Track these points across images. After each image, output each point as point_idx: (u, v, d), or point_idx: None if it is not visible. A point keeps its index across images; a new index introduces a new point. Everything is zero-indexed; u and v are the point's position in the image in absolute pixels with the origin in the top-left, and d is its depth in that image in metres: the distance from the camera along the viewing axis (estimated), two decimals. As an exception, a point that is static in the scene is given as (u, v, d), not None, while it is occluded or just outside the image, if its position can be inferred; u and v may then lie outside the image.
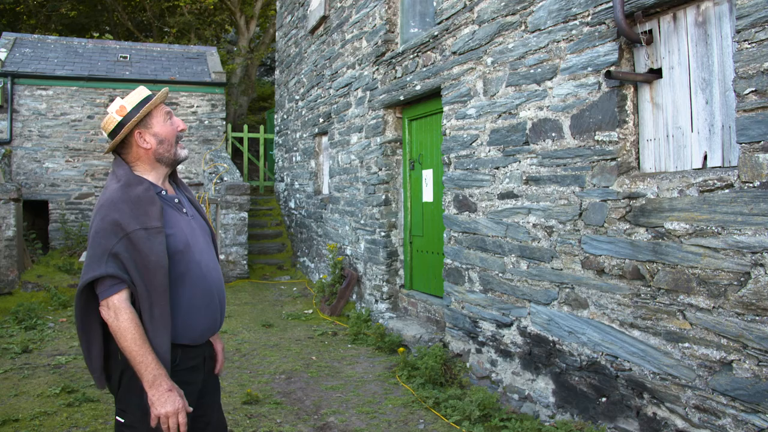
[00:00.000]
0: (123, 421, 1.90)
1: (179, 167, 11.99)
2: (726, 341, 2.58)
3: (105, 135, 2.04)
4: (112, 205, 1.85)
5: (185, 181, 11.90)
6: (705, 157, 2.82)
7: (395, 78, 5.90)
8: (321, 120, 8.46)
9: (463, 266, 4.61)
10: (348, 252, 7.32)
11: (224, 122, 12.50)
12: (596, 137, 3.29)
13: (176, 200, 2.06)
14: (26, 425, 3.81)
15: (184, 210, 2.07)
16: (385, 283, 6.22)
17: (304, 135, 9.54)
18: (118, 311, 1.80)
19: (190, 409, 1.87)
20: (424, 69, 5.26)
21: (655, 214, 2.91)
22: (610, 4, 3.18)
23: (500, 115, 4.13)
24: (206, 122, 12.29)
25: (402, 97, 5.74)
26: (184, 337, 1.94)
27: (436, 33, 4.98)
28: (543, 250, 3.71)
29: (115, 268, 1.79)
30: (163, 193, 2.03)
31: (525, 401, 3.88)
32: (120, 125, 1.99)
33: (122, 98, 2.03)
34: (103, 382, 1.97)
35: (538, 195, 3.75)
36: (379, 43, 6.26)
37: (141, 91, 2.04)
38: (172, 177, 2.16)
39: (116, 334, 1.81)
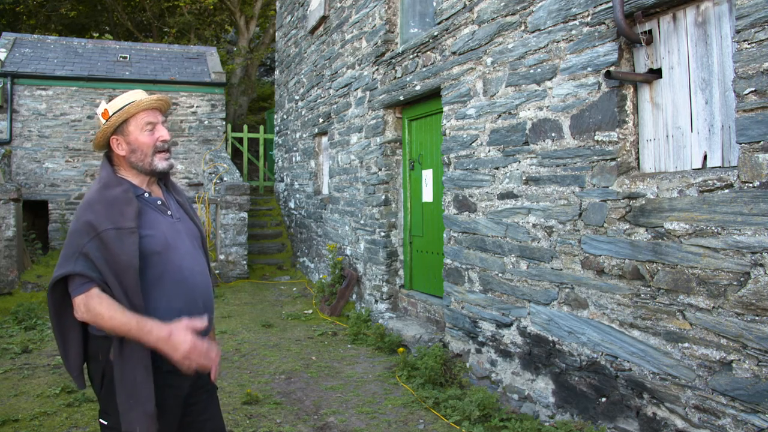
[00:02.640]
0: (106, 423, 1.90)
1: (179, 167, 11.99)
2: (726, 341, 2.58)
3: None
4: (88, 206, 1.87)
5: (185, 181, 11.92)
6: (705, 157, 2.82)
7: (395, 78, 5.90)
8: (321, 120, 8.46)
9: (463, 266, 4.61)
10: (348, 252, 7.32)
11: (224, 122, 12.50)
12: (596, 137, 3.29)
13: (159, 202, 2.04)
14: (26, 425, 3.81)
15: (169, 212, 2.05)
16: (384, 283, 6.22)
17: (304, 135, 9.54)
18: (87, 304, 1.80)
19: (205, 324, 1.87)
20: (424, 69, 5.26)
21: (655, 214, 2.91)
22: (610, 4, 3.18)
23: (500, 115, 4.13)
24: (206, 122, 12.29)
25: (402, 97, 5.74)
26: None
27: (435, 33, 4.98)
28: (543, 250, 3.71)
29: (83, 266, 1.80)
30: (146, 195, 2.02)
31: (525, 401, 3.88)
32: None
33: (107, 102, 2.04)
34: (82, 383, 1.97)
35: (538, 195, 3.75)
36: (379, 43, 6.26)
37: (128, 96, 2.02)
38: (164, 179, 2.15)
39: (95, 323, 1.81)
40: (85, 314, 1.81)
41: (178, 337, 1.79)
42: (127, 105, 1.98)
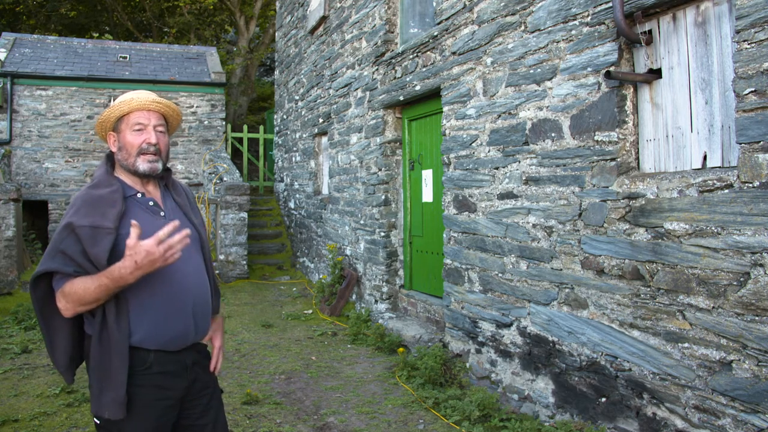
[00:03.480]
0: (98, 422, 1.91)
1: (178, 167, 11.99)
2: (726, 341, 2.58)
3: None
4: (73, 205, 1.91)
5: (184, 181, 11.91)
6: (704, 158, 2.82)
7: (395, 78, 5.90)
8: (321, 120, 8.47)
9: (463, 266, 4.61)
10: (348, 252, 7.32)
11: (224, 122, 12.50)
12: (596, 137, 3.29)
13: (151, 203, 2.04)
14: (26, 425, 3.81)
15: (162, 213, 2.04)
16: (384, 284, 6.22)
17: (304, 135, 9.54)
18: (64, 294, 1.83)
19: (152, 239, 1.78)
20: (424, 69, 5.26)
21: (655, 214, 2.91)
22: (610, 4, 3.18)
23: (500, 116, 4.13)
24: (206, 122, 12.29)
25: (402, 98, 5.74)
26: (151, 341, 1.91)
27: (435, 33, 4.98)
28: (543, 250, 3.71)
29: (59, 263, 1.83)
30: (138, 195, 2.02)
31: (525, 401, 3.88)
32: None
33: (114, 98, 2.08)
34: (71, 377, 1.99)
35: (538, 195, 3.75)
36: (379, 43, 6.26)
37: (128, 94, 2.04)
38: (164, 179, 2.14)
39: (79, 303, 1.81)
40: (67, 303, 1.83)
41: (140, 256, 1.76)
42: (119, 102, 2.02)
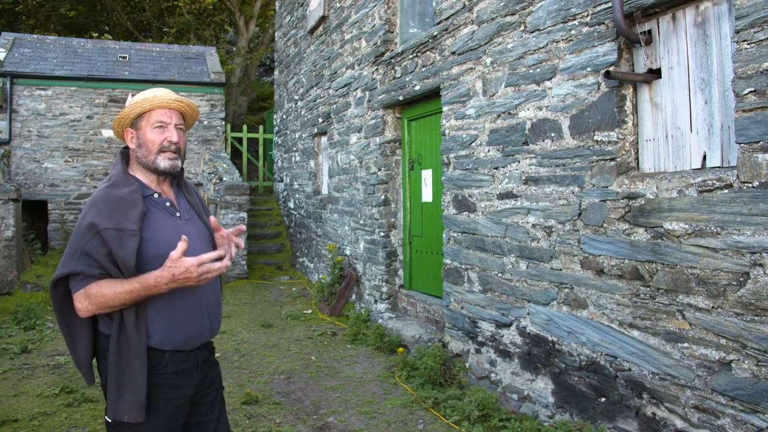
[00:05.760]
0: (110, 421, 1.91)
1: (178, 167, 11.98)
2: (725, 341, 2.59)
3: None
4: (93, 205, 1.90)
5: (184, 181, 11.91)
6: (704, 158, 2.82)
7: (394, 78, 5.90)
8: (320, 120, 8.46)
9: (463, 266, 4.61)
10: (347, 252, 7.32)
11: (223, 122, 12.49)
12: (595, 137, 3.29)
13: (168, 203, 2.03)
14: (25, 425, 3.81)
15: (178, 214, 2.05)
16: (384, 283, 6.22)
17: (304, 135, 9.54)
18: (88, 295, 1.83)
19: (196, 259, 1.82)
20: (424, 69, 5.26)
21: (655, 214, 2.91)
22: (609, 4, 3.18)
23: (499, 116, 4.13)
24: (205, 122, 12.28)
25: (401, 97, 5.74)
26: (166, 342, 1.93)
27: (435, 33, 4.98)
28: (542, 250, 3.71)
29: (84, 265, 1.83)
30: (155, 195, 2.02)
31: (524, 401, 3.88)
32: None
33: (133, 94, 2.09)
34: (91, 378, 1.99)
35: (538, 195, 3.75)
36: (379, 43, 6.26)
37: (149, 92, 2.05)
38: (177, 178, 2.14)
39: (104, 306, 1.82)
40: (89, 305, 1.83)
41: (179, 271, 1.79)
42: (141, 99, 2.02)
